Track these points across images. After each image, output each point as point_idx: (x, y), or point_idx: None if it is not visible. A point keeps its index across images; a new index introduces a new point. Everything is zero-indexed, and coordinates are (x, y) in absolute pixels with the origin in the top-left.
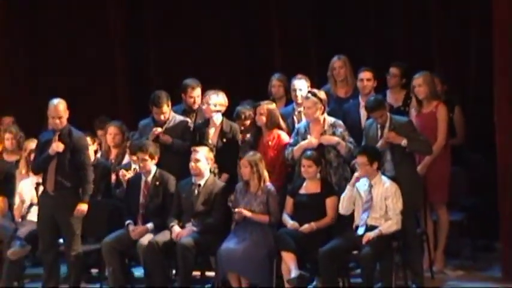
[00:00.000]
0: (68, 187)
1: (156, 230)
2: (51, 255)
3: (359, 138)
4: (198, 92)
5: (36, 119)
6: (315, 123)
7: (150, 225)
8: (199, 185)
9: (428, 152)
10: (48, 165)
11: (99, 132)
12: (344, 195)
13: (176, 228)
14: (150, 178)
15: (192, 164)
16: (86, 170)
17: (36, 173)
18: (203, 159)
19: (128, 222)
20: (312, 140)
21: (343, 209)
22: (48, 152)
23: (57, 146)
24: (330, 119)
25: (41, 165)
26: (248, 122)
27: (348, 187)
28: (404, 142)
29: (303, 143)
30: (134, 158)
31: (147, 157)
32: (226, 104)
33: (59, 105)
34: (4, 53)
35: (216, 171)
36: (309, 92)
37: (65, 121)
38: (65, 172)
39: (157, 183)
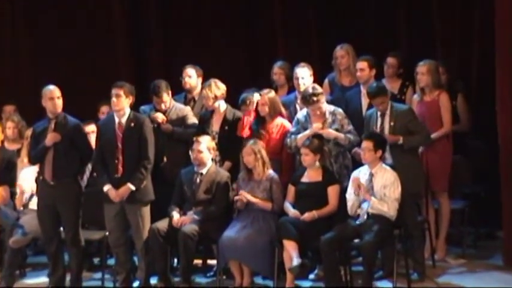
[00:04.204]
0: (67, 175)
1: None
2: (54, 245)
3: (360, 126)
4: (188, 72)
5: (38, 107)
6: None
7: (130, 185)
8: (201, 174)
9: (426, 143)
10: (46, 155)
11: (103, 109)
12: (351, 203)
13: (176, 216)
14: (124, 119)
15: (194, 154)
16: (87, 152)
17: (34, 163)
18: (205, 149)
19: (107, 188)
20: (315, 126)
21: (352, 213)
22: (44, 143)
23: (54, 137)
24: (330, 107)
25: (38, 155)
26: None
27: (354, 196)
28: (400, 141)
29: (307, 132)
30: None
31: (121, 93)
32: (225, 89)
33: (55, 89)
34: (7, 41)
35: (218, 159)
36: (312, 95)
37: (61, 107)
38: (63, 161)
39: (132, 124)
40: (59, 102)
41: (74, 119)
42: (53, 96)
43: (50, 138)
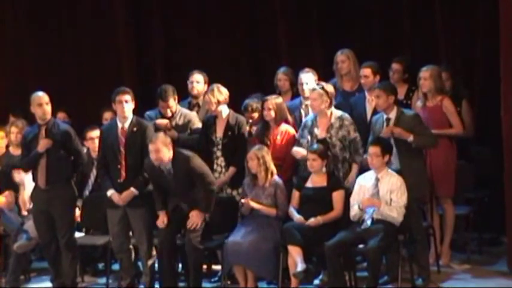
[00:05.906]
0: (60, 180)
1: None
2: (52, 250)
3: (365, 132)
4: (195, 77)
5: None
6: (322, 116)
7: (133, 189)
8: (167, 168)
9: (433, 145)
10: (39, 161)
11: (106, 116)
12: (354, 212)
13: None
14: (127, 124)
15: (153, 156)
16: (79, 155)
17: (26, 170)
18: (162, 147)
19: (110, 193)
20: (299, 151)
21: (355, 220)
22: (37, 149)
23: (47, 143)
24: (337, 112)
25: (31, 162)
26: (256, 115)
27: (356, 208)
28: (410, 138)
29: (294, 153)
30: None
31: (130, 98)
32: (228, 94)
33: (44, 95)
34: (11, 47)
35: (223, 164)
36: (318, 88)
37: (50, 113)
38: (56, 166)
39: (135, 129)
40: (48, 108)
41: (63, 123)
42: (42, 102)
43: (43, 145)
